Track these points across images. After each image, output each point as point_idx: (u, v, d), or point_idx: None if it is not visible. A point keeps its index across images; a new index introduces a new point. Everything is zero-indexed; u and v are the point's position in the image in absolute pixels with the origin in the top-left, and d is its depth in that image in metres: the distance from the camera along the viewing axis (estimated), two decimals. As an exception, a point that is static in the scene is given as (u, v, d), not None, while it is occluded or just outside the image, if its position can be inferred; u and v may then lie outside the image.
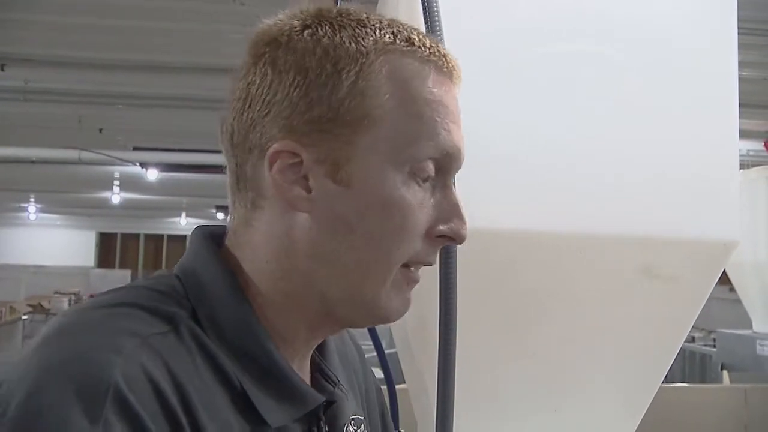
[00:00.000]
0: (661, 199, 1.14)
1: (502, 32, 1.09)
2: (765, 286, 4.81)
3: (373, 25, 0.58)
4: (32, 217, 16.22)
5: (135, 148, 7.41)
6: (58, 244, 17.53)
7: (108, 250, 18.86)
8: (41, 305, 9.75)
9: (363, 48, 0.57)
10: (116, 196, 11.79)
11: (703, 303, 1.33)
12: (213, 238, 0.61)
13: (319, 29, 0.57)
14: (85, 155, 7.07)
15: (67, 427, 0.46)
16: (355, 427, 0.65)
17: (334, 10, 0.60)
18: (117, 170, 9.29)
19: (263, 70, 0.57)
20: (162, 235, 19.10)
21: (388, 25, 0.59)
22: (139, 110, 5.84)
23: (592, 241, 1.11)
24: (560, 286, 1.13)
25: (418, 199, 0.58)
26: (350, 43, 0.57)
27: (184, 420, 0.50)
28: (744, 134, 5.18)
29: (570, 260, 1.10)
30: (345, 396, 0.65)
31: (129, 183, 10.39)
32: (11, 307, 8.35)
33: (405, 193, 0.57)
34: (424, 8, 1.01)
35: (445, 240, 0.60)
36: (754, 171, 5.02)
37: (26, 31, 4.19)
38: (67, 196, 12.72)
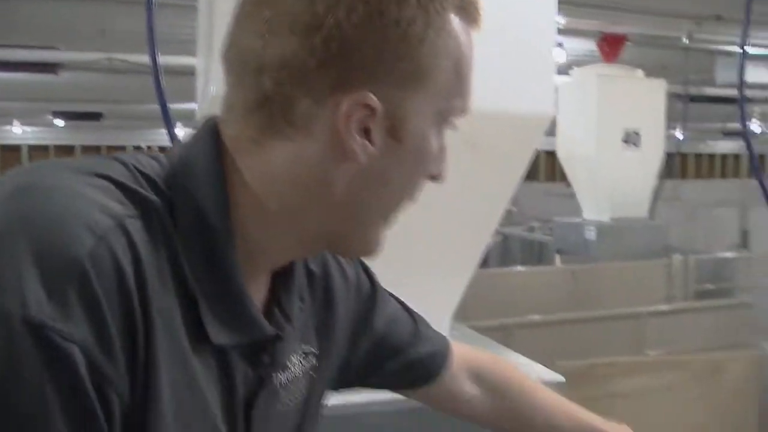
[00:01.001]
0: (480, 74, 1.20)
1: None
2: (592, 177, 5.26)
3: None
4: None
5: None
6: None
7: (-70, 162, 17.10)
8: None
9: (443, 3, 0.55)
10: (-66, 101, 10.57)
11: (520, 175, 1.45)
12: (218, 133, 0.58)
13: None
14: None
15: (20, 291, 0.44)
16: (301, 359, 0.65)
17: None
18: (-69, 70, 8.28)
19: (351, 4, 0.53)
20: (-6, 146, 17.57)
21: None
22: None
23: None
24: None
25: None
26: None
27: (139, 314, 0.48)
28: (577, 33, 5.47)
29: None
30: (296, 335, 0.64)
31: (-52, 85, 9.32)
32: None
33: (435, 145, 0.58)
34: None
35: (430, 179, 0.61)
36: (586, 69, 5.35)
37: None
38: None
